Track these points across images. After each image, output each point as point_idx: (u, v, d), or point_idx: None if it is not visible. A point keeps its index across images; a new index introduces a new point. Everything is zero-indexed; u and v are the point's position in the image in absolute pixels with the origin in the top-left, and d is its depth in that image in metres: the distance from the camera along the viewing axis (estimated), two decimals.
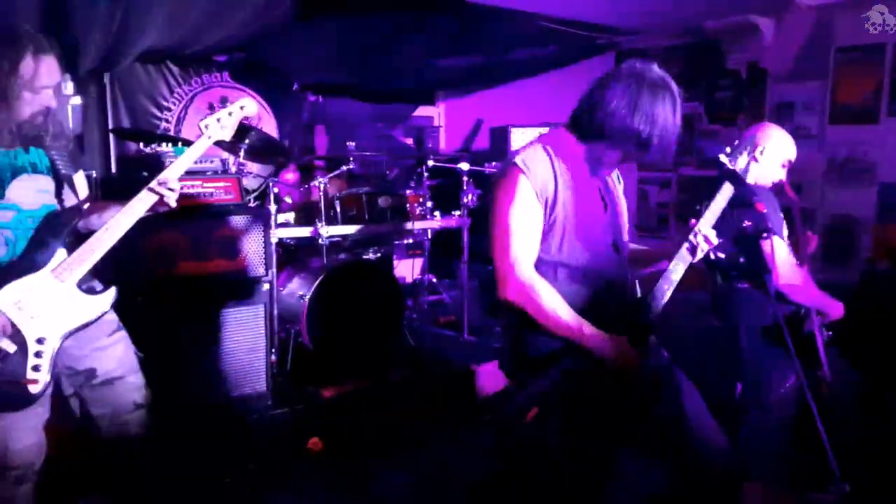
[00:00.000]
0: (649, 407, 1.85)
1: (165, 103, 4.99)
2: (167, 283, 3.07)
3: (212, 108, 5.13)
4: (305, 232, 3.83)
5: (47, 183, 1.97)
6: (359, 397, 3.51)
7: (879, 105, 4.17)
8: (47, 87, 1.87)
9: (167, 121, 5.00)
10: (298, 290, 3.75)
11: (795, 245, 2.75)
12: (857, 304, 4.02)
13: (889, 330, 3.66)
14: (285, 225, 3.86)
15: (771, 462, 2.71)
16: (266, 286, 3.40)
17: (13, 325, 1.83)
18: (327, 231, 3.80)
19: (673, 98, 1.79)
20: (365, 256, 4.25)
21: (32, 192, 1.93)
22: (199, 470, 2.80)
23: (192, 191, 3.18)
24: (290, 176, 4.70)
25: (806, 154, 2.80)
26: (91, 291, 1.95)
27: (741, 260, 1.64)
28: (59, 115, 2.05)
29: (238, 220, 3.29)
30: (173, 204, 1.99)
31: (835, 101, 4.38)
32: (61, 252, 1.91)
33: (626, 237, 2.02)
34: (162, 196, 1.96)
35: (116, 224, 1.93)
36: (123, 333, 2.13)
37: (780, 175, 2.55)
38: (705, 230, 1.79)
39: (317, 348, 3.67)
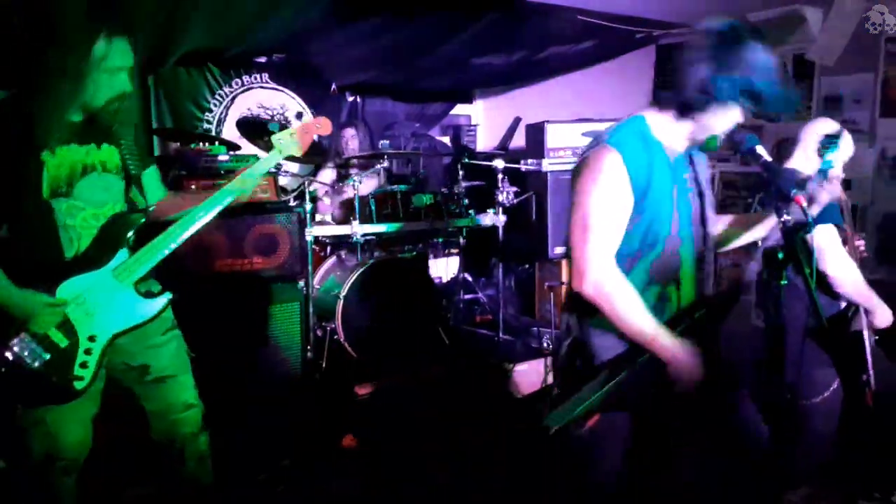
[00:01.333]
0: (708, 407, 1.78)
1: (207, 104, 5.09)
2: (204, 280, 3.12)
3: (249, 111, 5.22)
4: (341, 230, 3.85)
5: (116, 182, 1.97)
6: (394, 395, 3.52)
7: None
8: (122, 68, 1.85)
9: (208, 121, 5.10)
10: (334, 288, 3.77)
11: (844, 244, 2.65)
12: None
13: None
14: (322, 223, 3.90)
15: (816, 467, 2.62)
16: (302, 284, 3.43)
17: (68, 320, 1.85)
18: (362, 229, 3.82)
19: (761, 43, 1.66)
20: (400, 255, 4.26)
21: (100, 191, 1.93)
22: (234, 466, 2.84)
23: None
24: (328, 175, 4.74)
25: (855, 149, 2.69)
26: (148, 294, 1.97)
27: (780, 255, 1.57)
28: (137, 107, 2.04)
29: (274, 219, 3.33)
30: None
31: (885, 93, 4.21)
32: (123, 252, 1.92)
33: (711, 233, 1.89)
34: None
35: (175, 230, 1.94)
36: (177, 332, 2.14)
37: (840, 173, 2.49)
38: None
39: (352, 346, 3.68)
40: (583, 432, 1.74)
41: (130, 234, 1.93)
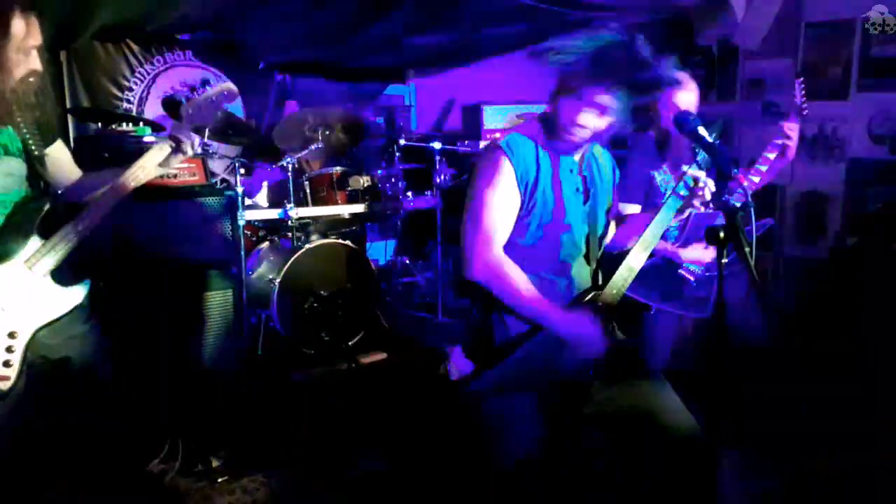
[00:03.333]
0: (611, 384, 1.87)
1: (126, 83, 4.82)
2: (130, 267, 2.97)
3: (173, 89, 4.98)
4: (274, 213, 3.74)
5: (19, 166, 1.85)
6: (332, 381, 3.46)
7: (849, 81, 4.20)
8: (34, 46, 1.75)
9: (129, 101, 4.83)
10: (268, 273, 3.67)
11: None
12: (826, 279, 4.10)
13: (855, 304, 3.72)
14: (254, 207, 3.77)
15: None
16: (234, 270, 3.31)
17: None
18: (297, 212, 3.71)
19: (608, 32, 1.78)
20: (336, 238, 4.17)
21: (2, 177, 1.81)
22: (169, 455, 2.74)
23: None
24: (262, 156, 4.58)
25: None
26: (65, 282, 1.86)
27: (721, 234, 1.61)
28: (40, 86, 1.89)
29: (204, 203, 3.20)
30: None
31: (805, 77, 4.40)
32: (34, 240, 1.81)
33: (602, 229, 2.02)
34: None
35: (90, 216, 1.84)
36: (94, 322, 2.04)
37: None
38: (695, 172, 1.78)
39: (288, 332, 3.60)
40: (491, 411, 1.83)
41: (38, 221, 1.82)
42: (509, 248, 1.84)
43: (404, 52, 5.50)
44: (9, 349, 1.76)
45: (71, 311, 1.87)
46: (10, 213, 1.80)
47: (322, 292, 3.70)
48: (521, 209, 1.84)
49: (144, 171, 1.96)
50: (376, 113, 6.19)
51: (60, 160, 1.98)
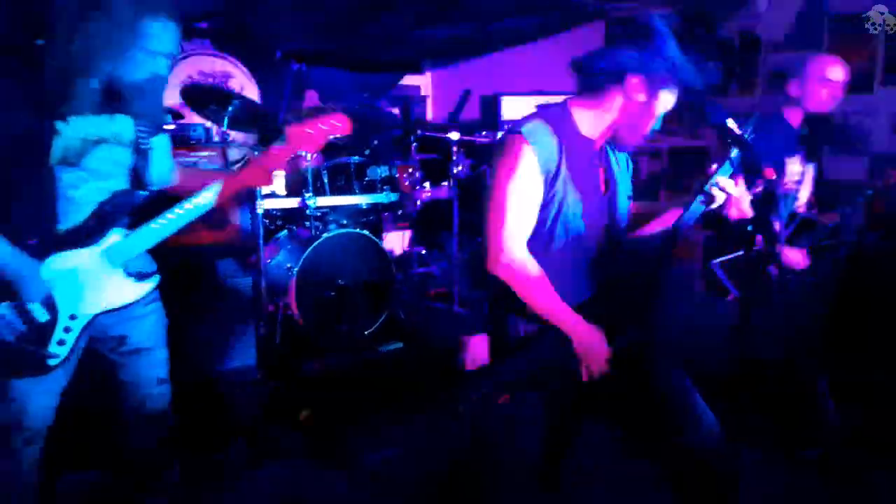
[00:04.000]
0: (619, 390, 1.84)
1: None
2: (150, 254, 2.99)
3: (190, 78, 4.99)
4: (292, 203, 3.74)
5: (126, 156, 1.87)
6: (349, 370, 3.48)
7: (873, 74, 4.14)
8: (163, 53, 1.76)
9: None
10: (286, 262, 3.67)
11: None
12: (848, 272, 4.05)
13: (879, 299, 3.68)
14: (272, 196, 3.77)
15: None
16: (253, 258, 3.33)
17: (51, 295, 1.78)
18: (315, 202, 3.72)
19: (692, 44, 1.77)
20: (354, 228, 4.17)
21: (108, 164, 1.84)
22: (187, 444, 2.76)
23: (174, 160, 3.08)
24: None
25: None
26: (136, 276, 1.90)
27: (749, 228, 1.60)
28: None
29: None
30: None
31: None
32: (118, 231, 1.85)
33: (623, 221, 1.99)
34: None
35: (175, 217, 1.89)
36: (159, 304, 2.08)
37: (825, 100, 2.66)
38: (723, 180, 1.75)
39: (306, 321, 3.61)
40: (495, 409, 1.82)
41: (125, 212, 1.87)
42: (531, 238, 1.82)
43: (419, 42, 5.48)
44: (66, 329, 1.80)
45: (135, 302, 1.91)
46: (104, 200, 1.83)
47: (339, 282, 3.71)
48: (543, 196, 1.80)
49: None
50: (392, 103, 6.18)
51: (161, 153, 2.01)
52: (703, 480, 1.76)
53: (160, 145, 2.00)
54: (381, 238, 4.53)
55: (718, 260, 2.56)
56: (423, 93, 6.39)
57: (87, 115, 1.76)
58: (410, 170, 4.16)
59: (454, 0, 4.54)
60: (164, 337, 2.08)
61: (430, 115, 6.38)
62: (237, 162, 4.78)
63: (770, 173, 1.63)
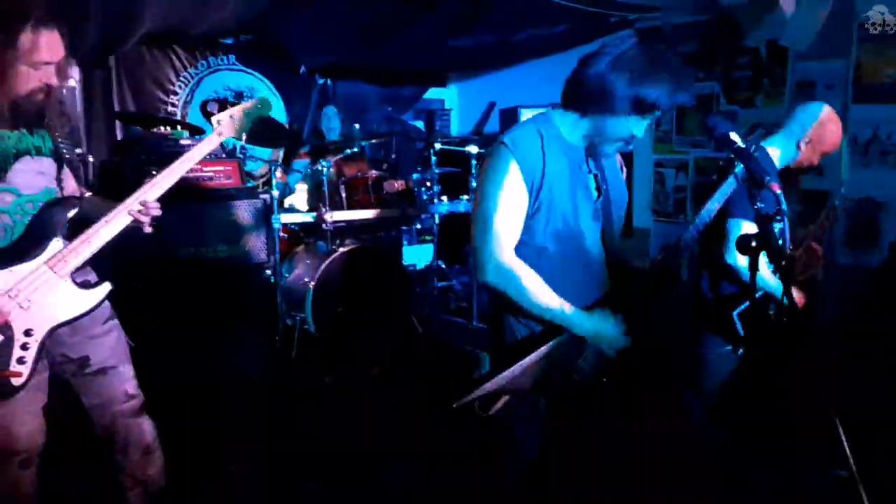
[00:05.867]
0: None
1: (172, 87, 4.94)
2: (167, 269, 3.03)
3: (216, 93, 5.08)
4: (310, 217, 3.76)
5: (49, 166, 1.89)
6: (366, 385, 3.46)
7: None
8: (48, 62, 1.75)
9: (173, 104, 4.96)
10: (303, 276, 3.69)
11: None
12: (881, 288, 3.91)
13: None
14: (290, 210, 3.80)
15: None
16: (269, 272, 3.35)
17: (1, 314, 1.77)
18: (332, 216, 3.73)
19: (669, 62, 1.70)
20: (372, 242, 4.18)
21: (33, 176, 1.85)
22: (202, 457, 2.78)
23: (189, 174, 3.12)
24: (302, 160, 4.63)
25: None
26: (85, 284, 1.88)
27: (753, 243, 1.54)
28: (64, 96, 1.94)
29: (239, 205, 3.24)
30: (147, 230, 1.90)
31: (858, 79, 4.22)
32: (58, 242, 1.83)
33: (617, 226, 1.95)
34: (138, 221, 1.87)
35: (115, 219, 1.85)
36: (116, 322, 2.07)
37: (815, 162, 2.46)
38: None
39: (322, 335, 3.62)
40: (495, 412, 1.79)
41: (63, 222, 1.84)
42: (520, 248, 1.79)
43: (443, 54, 5.50)
44: (24, 346, 1.79)
45: (89, 312, 1.89)
46: (37, 213, 1.83)
47: (356, 296, 3.71)
48: (529, 206, 1.78)
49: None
50: (416, 116, 6.21)
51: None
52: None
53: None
54: (400, 252, 4.53)
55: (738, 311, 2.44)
56: (447, 106, 6.41)
57: (1, 131, 1.78)
58: (429, 183, 4.16)
59: (479, 11, 4.55)
60: (127, 353, 2.07)
61: (455, 128, 6.39)
62: (262, 177, 4.85)
63: (775, 187, 1.57)
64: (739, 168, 1.65)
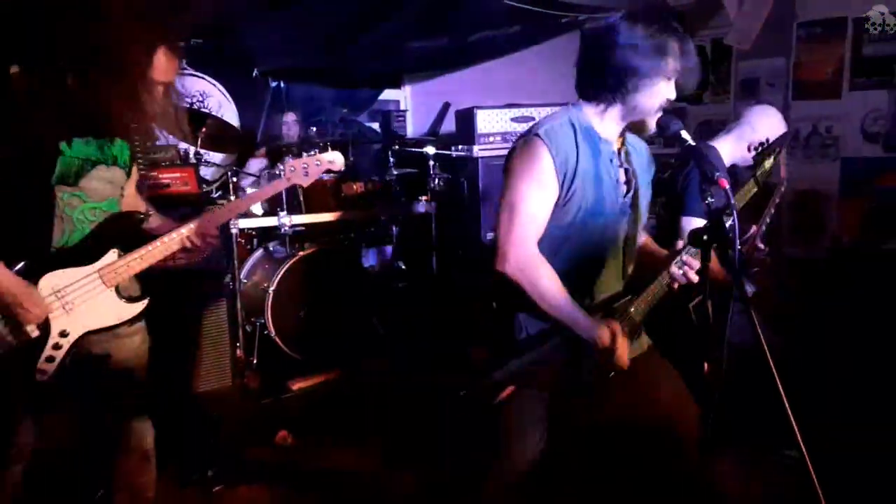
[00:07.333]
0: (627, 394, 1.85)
1: None
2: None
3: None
4: (268, 221, 3.73)
5: (120, 177, 1.93)
6: (329, 389, 3.45)
7: (841, 80, 4.19)
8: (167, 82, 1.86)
9: None
10: (262, 281, 3.66)
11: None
12: (826, 278, 4.09)
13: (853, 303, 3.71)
14: (247, 215, 3.76)
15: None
16: (228, 278, 3.31)
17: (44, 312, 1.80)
18: (290, 220, 3.71)
19: (675, 29, 1.76)
20: (331, 245, 4.16)
21: (103, 185, 1.88)
22: (163, 467, 2.73)
23: (147, 181, 3.07)
24: (259, 163, 4.58)
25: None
26: (127, 298, 1.93)
27: (705, 237, 1.60)
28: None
29: (195, 212, 3.19)
30: (198, 257, 2.04)
31: (798, 76, 4.39)
32: (113, 253, 1.88)
33: (641, 224, 1.98)
34: (194, 246, 1.98)
35: (171, 242, 1.94)
36: (143, 325, 2.07)
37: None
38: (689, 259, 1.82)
39: (284, 340, 3.59)
40: (499, 403, 1.82)
41: (123, 235, 1.91)
42: (545, 236, 1.81)
43: (399, 57, 5.50)
44: (56, 346, 1.82)
45: (124, 324, 1.93)
46: (101, 222, 1.87)
47: (317, 300, 3.69)
48: (559, 198, 1.79)
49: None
50: (371, 118, 6.19)
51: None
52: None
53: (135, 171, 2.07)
54: (359, 254, 4.52)
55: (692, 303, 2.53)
56: (402, 107, 6.41)
57: (88, 138, 1.82)
58: (388, 185, 4.16)
59: (433, 14, 4.57)
60: (146, 357, 2.08)
61: (410, 129, 6.40)
62: (216, 182, 4.77)
63: (723, 183, 1.63)
64: (693, 170, 1.71)
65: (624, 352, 1.74)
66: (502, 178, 1.86)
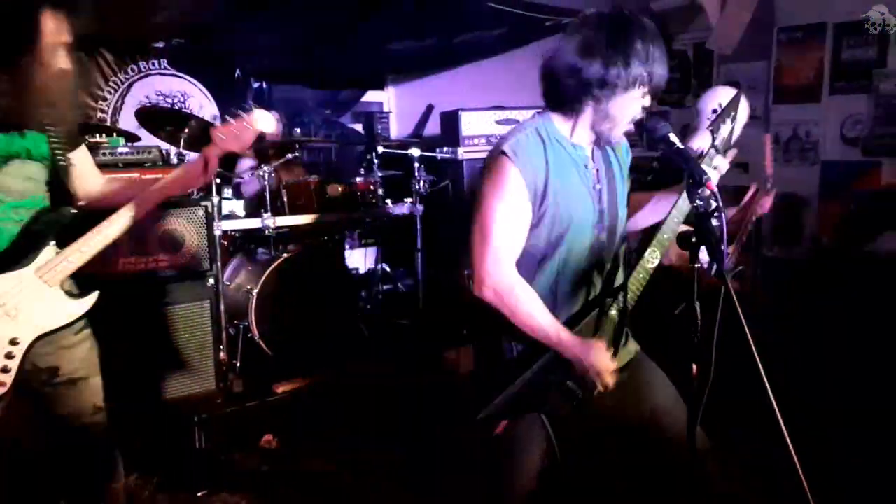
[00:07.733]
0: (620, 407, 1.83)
1: (100, 93, 4.77)
2: (106, 281, 2.91)
3: (147, 98, 4.93)
4: (251, 223, 3.70)
5: (39, 171, 1.81)
6: (313, 392, 3.43)
7: (821, 84, 4.25)
8: (63, 43, 1.71)
9: (103, 111, 4.78)
10: (246, 284, 3.63)
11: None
12: (806, 281, 4.14)
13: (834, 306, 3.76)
14: (230, 216, 3.72)
15: None
16: (211, 281, 3.27)
17: None
18: (274, 221, 3.68)
19: (643, 27, 1.69)
20: (315, 247, 4.14)
21: (21, 181, 1.77)
22: (148, 472, 2.70)
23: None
24: (247, 163, 4.54)
25: (752, 134, 2.83)
26: (71, 294, 1.85)
27: (692, 239, 1.61)
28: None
29: (179, 213, 3.15)
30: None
31: (778, 81, 4.45)
32: (49, 250, 1.79)
33: (622, 224, 1.91)
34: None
35: (108, 229, 1.84)
36: (89, 332, 1.99)
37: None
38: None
39: (268, 343, 3.56)
40: (496, 436, 1.77)
41: (56, 230, 1.81)
42: (523, 256, 1.75)
43: (383, 59, 5.50)
44: (8, 355, 1.74)
45: (77, 321, 1.86)
46: (29, 220, 1.78)
47: (301, 302, 3.67)
48: (533, 216, 1.73)
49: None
50: (355, 120, 6.18)
51: (84, 167, 1.96)
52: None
53: (81, 157, 1.95)
54: (343, 256, 4.51)
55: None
56: (386, 108, 6.40)
57: None
58: (372, 186, 4.15)
59: (417, 16, 4.57)
60: (97, 364, 2.00)
61: (393, 131, 6.38)
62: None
63: (711, 185, 1.63)
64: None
65: (608, 372, 1.69)
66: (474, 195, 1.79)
